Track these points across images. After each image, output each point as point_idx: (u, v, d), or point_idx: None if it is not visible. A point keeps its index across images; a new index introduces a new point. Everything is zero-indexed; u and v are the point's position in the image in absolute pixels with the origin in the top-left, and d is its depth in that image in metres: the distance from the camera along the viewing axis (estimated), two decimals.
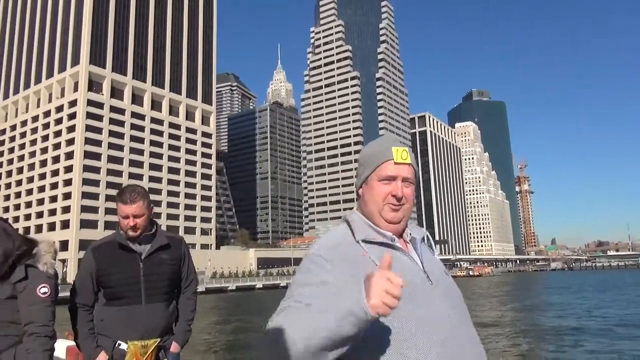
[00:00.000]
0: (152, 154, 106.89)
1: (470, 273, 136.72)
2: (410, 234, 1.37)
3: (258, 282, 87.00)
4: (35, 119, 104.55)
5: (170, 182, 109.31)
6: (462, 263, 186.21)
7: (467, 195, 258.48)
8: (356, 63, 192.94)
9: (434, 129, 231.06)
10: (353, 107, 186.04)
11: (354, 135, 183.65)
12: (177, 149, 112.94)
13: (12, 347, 2.05)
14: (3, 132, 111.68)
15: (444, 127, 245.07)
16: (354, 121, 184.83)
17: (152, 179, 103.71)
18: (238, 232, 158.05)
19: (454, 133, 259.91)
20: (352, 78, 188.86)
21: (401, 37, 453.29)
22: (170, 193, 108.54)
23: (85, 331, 2.44)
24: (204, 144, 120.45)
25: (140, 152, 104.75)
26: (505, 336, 20.35)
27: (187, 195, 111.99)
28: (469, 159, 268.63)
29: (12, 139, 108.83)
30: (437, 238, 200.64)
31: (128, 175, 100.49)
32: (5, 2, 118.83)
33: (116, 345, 2.39)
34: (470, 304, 24.73)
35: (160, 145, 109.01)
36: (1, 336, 2.05)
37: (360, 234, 1.28)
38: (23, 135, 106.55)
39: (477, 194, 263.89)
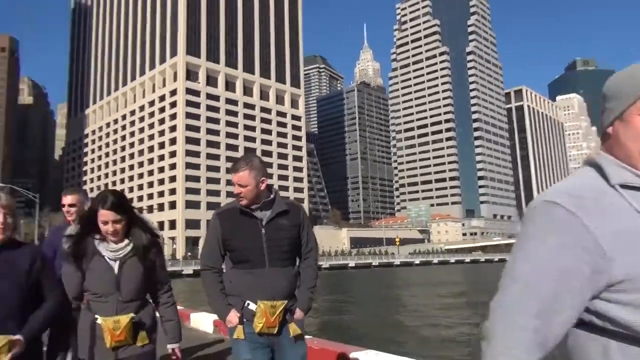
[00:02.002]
0: (246, 138, 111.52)
1: None
2: None
3: (350, 261, 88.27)
4: (142, 108, 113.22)
5: None
6: None
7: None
8: (445, 38, 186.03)
9: (532, 103, 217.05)
10: (443, 83, 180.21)
11: (445, 113, 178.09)
12: (269, 132, 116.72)
13: (143, 308, 2.37)
14: (115, 121, 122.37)
15: (544, 101, 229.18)
16: (444, 98, 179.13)
17: None
18: (330, 212, 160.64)
19: (555, 107, 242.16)
20: (441, 54, 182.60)
21: (493, 7, 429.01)
22: None
23: (217, 291, 2.54)
24: (294, 127, 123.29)
25: (235, 136, 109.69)
26: None
27: (279, 177, 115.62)
28: (573, 134, 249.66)
29: (123, 127, 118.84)
30: None
31: (225, 159, 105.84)
32: (110, 8, 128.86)
33: (245, 305, 2.48)
34: None
35: (252, 129, 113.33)
36: (139, 305, 2.36)
37: (616, 178, 0.98)
38: (132, 123, 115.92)
39: None
